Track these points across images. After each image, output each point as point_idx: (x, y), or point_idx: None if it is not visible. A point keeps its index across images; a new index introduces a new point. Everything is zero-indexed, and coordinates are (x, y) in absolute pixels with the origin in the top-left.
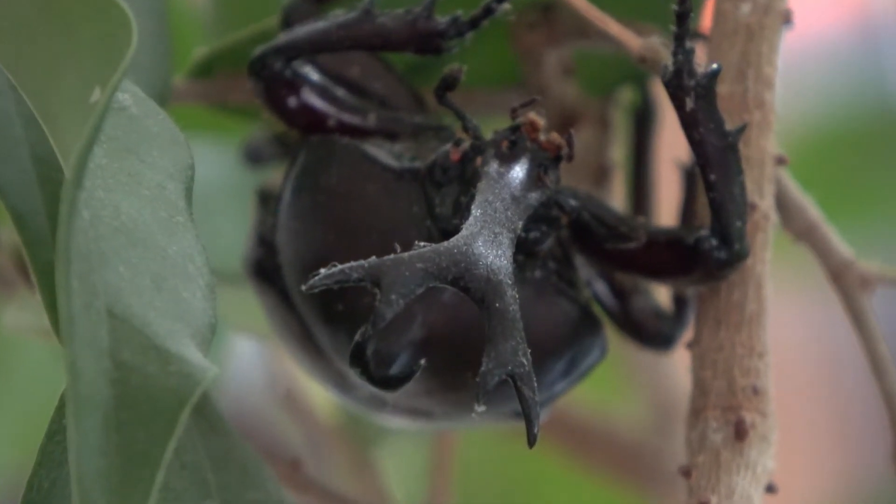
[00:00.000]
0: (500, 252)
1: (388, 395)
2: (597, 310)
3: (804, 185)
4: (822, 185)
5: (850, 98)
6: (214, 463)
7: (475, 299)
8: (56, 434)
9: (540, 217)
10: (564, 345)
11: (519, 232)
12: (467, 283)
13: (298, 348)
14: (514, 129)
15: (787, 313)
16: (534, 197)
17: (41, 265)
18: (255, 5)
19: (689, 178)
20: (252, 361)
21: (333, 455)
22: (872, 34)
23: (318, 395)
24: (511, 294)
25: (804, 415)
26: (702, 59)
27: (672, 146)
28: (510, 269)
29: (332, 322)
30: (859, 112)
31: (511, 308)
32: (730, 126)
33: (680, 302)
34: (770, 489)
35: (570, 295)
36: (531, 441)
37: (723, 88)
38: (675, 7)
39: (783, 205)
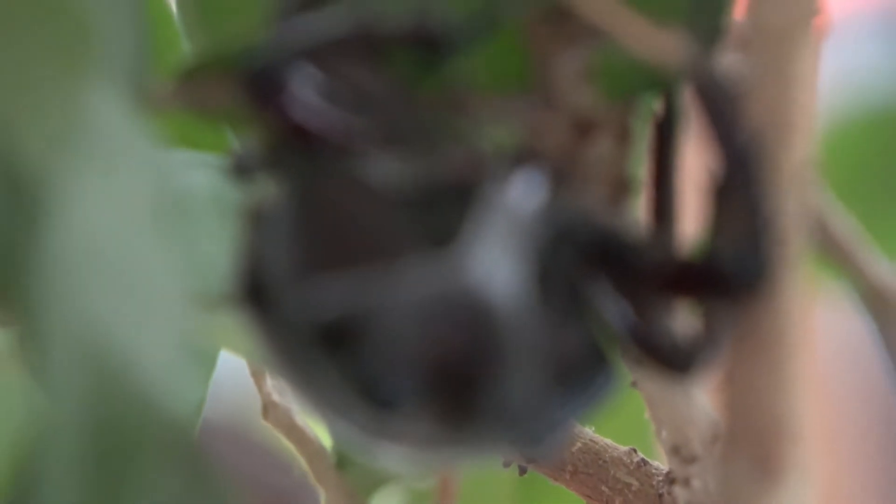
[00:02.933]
0: (503, 276)
1: (388, 425)
2: (609, 337)
3: (848, 187)
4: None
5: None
6: (187, 501)
7: (478, 327)
8: (25, 467)
9: (549, 237)
10: (572, 373)
11: (525, 254)
12: (471, 307)
13: (290, 375)
14: (523, 142)
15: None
16: (542, 216)
17: (12, 286)
18: (237, 4)
19: (715, 195)
20: (236, 378)
21: (325, 490)
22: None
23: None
24: (516, 321)
25: (844, 450)
26: (733, 62)
27: (698, 161)
28: (513, 294)
29: (328, 346)
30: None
31: (517, 336)
32: (760, 134)
33: (706, 328)
34: None
35: (579, 322)
36: (533, 477)
37: (755, 93)
38: (697, 10)
39: (816, 221)
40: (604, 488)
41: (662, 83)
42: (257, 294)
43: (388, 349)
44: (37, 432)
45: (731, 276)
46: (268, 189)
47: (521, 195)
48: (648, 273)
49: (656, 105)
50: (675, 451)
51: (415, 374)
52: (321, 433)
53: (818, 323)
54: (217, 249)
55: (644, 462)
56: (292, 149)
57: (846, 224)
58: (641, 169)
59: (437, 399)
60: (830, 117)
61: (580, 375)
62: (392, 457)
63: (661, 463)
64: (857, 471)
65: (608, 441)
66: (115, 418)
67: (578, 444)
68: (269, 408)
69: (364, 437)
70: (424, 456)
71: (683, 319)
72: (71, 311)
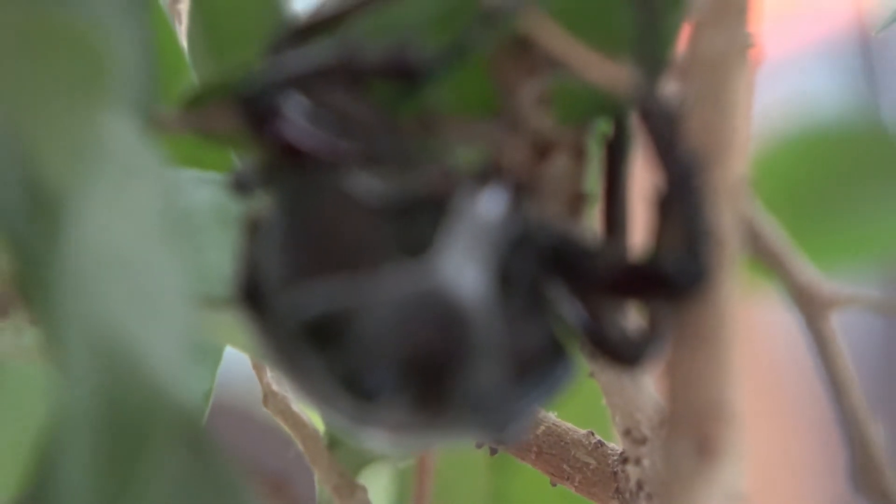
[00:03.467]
0: (474, 279)
1: (370, 412)
2: (568, 333)
3: (778, 199)
4: (796, 203)
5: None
6: (198, 482)
7: (450, 324)
8: (44, 452)
9: (513, 245)
10: (535, 365)
11: (492, 260)
12: (444, 307)
13: (284, 368)
14: (489, 161)
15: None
16: (507, 226)
17: (33, 290)
18: (240, 37)
19: (659, 206)
20: (239, 371)
21: (318, 470)
22: (862, 45)
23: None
24: (484, 318)
25: (776, 433)
26: (675, 90)
27: (644, 176)
28: (483, 295)
29: (316, 342)
30: (847, 127)
31: (485, 332)
32: (699, 153)
33: (652, 324)
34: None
35: (541, 319)
36: (502, 458)
37: (693, 117)
38: (643, 41)
39: (750, 230)
40: (565, 467)
41: (613, 108)
42: (254, 296)
43: (369, 346)
44: (56, 420)
45: (673, 279)
46: (264, 203)
47: (488, 208)
48: (601, 276)
49: (607, 127)
50: (627, 433)
51: (393, 369)
52: (314, 418)
53: (762, 318)
54: (220, 256)
55: (601, 443)
56: (285, 167)
57: (776, 232)
58: (595, 184)
59: (414, 390)
60: (770, 138)
61: (542, 367)
62: (376, 440)
63: (615, 444)
64: (796, 446)
65: (569, 425)
66: (127, 407)
67: (542, 428)
68: (268, 396)
69: (350, 423)
70: (404, 439)
71: (632, 317)
72: (87, 312)
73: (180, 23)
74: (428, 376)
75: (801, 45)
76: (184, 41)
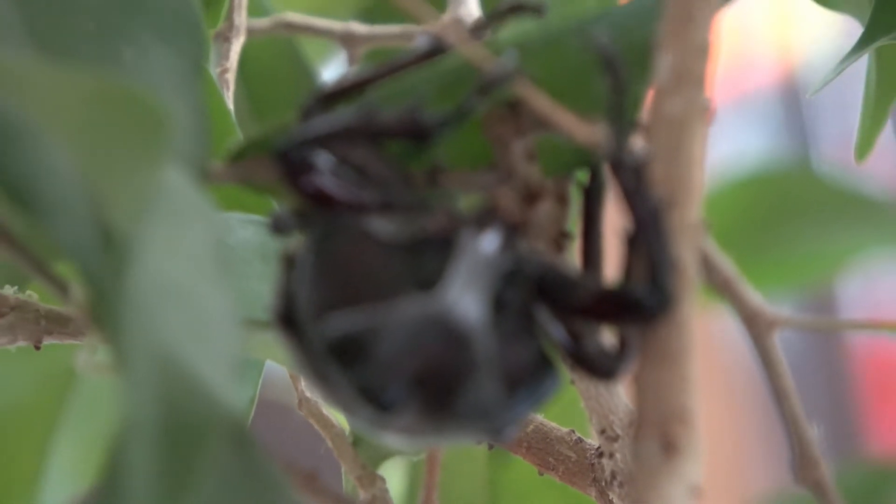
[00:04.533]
0: (474, 305)
1: (386, 418)
2: (553, 349)
3: (728, 236)
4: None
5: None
6: (241, 476)
7: (454, 343)
8: (115, 450)
9: (507, 276)
10: (526, 377)
11: (490, 289)
12: (448, 330)
13: (314, 381)
14: (486, 206)
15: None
16: (502, 261)
17: (105, 316)
18: (278, 102)
19: (629, 243)
20: (277, 384)
21: (345, 463)
22: (796, 97)
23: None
24: (482, 338)
25: (729, 433)
26: (640, 145)
27: (616, 218)
28: (482, 319)
29: (340, 359)
30: (776, 170)
31: (483, 350)
32: (661, 198)
33: (623, 342)
34: (696, 495)
35: (531, 338)
36: (498, 453)
37: (657, 168)
38: (614, 106)
39: (705, 262)
40: (550, 459)
41: (589, 161)
42: (290, 320)
43: (385, 363)
44: (124, 424)
45: (641, 304)
46: (298, 241)
47: (486, 245)
48: (581, 301)
49: (585, 177)
50: (603, 432)
51: (405, 382)
52: (341, 420)
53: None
54: (261, 286)
55: (580, 440)
56: (315, 211)
57: (727, 264)
58: (574, 224)
59: (423, 400)
60: (717, 182)
61: (531, 378)
62: (392, 440)
63: (592, 441)
64: (745, 442)
65: (553, 424)
66: (182, 413)
67: (531, 427)
68: (302, 401)
69: (370, 427)
70: (416, 440)
71: (607, 335)
72: (149, 334)
73: (228, 90)
74: (435, 388)
75: (740, 97)
76: (230, 105)
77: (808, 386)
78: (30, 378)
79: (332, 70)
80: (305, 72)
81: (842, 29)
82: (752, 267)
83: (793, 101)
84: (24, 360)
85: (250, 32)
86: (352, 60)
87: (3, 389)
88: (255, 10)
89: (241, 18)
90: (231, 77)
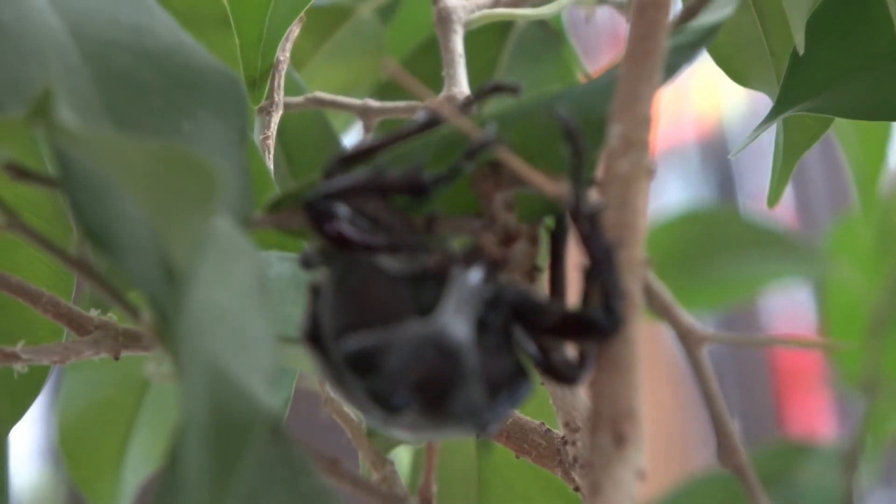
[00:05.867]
0: (463, 326)
1: (393, 417)
2: (527, 361)
3: (664, 265)
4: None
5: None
6: (277, 463)
7: (447, 357)
8: (175, 441)
9: (490, 303)
10: (506, 383)
11: (476, 313)
12: (443, 346)
13: (335, 386)
14: (473, 247)
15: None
16: (486, 290)
17: (168, 333)
18: (310, 163)
19: (587, 276)
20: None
21: (361, 451)
22: (722, 151)
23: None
24: (471, 353)
25: (676, 424)
26: (595, 198)
27: (576, 255)
28: (470, 337)
29: (356, 369)
30: (704, 210)
31: (471, 362)
32: (612, 240)
33: (583, 354)
34: (640, 477)
35: (510, 352)
36: (484, 444)
37: (609, 216)
38: (574, 166)
39: (648, 291)
40: (525, 446)
41: (555, 210)
42: (316, 337)
43: (392, 374)
44: (182, 421)
45: (597, 324)
46: (322, 274)
47: (473, 278)
48: (549, 322)
49: (552, 222)
50: (567, 424)
51: (409, 389)
52: (358, 416)
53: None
54: (295, 310)
55: (549, 431)
56: (336, 251)
57: (664, 291)
58: (544, 260)
59: (423, 403)
60: (657, 221)
61: (510, 384)
62: (399, 433)
63: (559, 431)
64: (693, 433)
65: (528, 418)
66: (228, 412)
67: (510, 421)
68: (327, 401)
69: (381, 424)
70: (417, 434)
71: (570, 349)
72: (201, 349)
73: (269, 153)
74: (433, 394)
75: (675, 144)
76: (271, 166)
77: (734, 383)
78: (113, 382)
79: (352, 136)
80: (332, 138)
81: (759, 96)
82: (685, 291)
83: (720, 156)
84: (108, 369)
85: (287, 107)
86: (368, 129)
87: (93, 391)
88: (292, 89)
89: (280, 96)
90: (271, 143)
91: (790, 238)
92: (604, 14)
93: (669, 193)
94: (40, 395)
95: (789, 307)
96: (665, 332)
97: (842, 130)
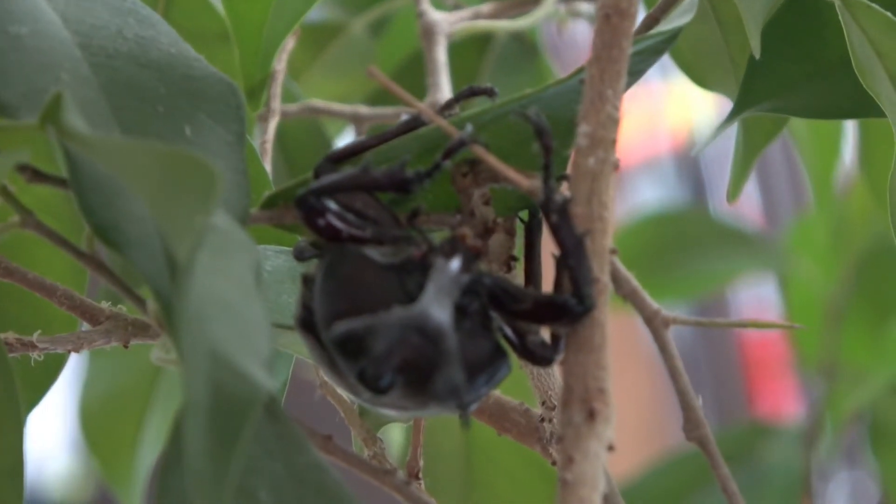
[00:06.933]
0: (445, 311)
1: (380, 398)
2: (505, 344)
3: (633, 263)
4: (649, 260)
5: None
6: (275, 440)
7: (430, 341)
8: (178, 421)
9: (469, 290)
10: (485, 365)
11: (456, 300)
12: (426, 330)
13: (327, 370)
14: (453, 238)
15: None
16: (465, 278)
17: (171, 323)
18: (307, 164)
19: (558, 264)
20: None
21: (353, 428)
22: (694, 161)
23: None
24: (451, 336)
25: (632, 404)
26: (564, 191)
27: (550, 245)
28: (451, 322)
29: (345, 353)
30: (677, 211)
31: (452, 345)
32: (581, 231)
33: (556, 337)
34: (610, 449)
35: (488, 335)
36: (465, 422)
37: (577, 209)
38: (545, 163)
39: (615, 278)
40: (506, 424)
41: (529, 204)
42: (308, 324)
43: (378, 357)
44: (184, 403)
45: (569, 309)
46: (314, 265)
47: (454, 267)
48: (524, 308)
49: (526, 216)
50: (543, 403)
51: (395, 372)
52: (350, 397)
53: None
54: (290, 300)
55: (528, 409)
56: (326, 243)
57: (631, 278)
58: (519, 251)
59: (408, 384)
60: (628, 220)
61: (489, 365)
62: (386, 412)
63: (537, 410)
64: (649, 408)
65: (508, 398)
66: (228, 394)
67: (491, 400)
68: (322, 384)
69: (369, 404)
70: (403, 413)
71: (544, 333)
72: (202, 336)
73: (267, 156)
74: (417, 375)
75: (651, 156)
76: (269, 168)
77: (707, 370)
78: (126, 369)
79: (345, 140)
80: (326, 142)
81: (725, 104)
82: (656, 284)
83: (693, 165)
84: (125, 358)
85: (284, 114)
86: (359, 133)
87: (108, 378)
88: (288, 97)
89: (277, 104)
90: (269, 147)
91: (755, 236)
92: (582, 29)
93: (647, 200)
94: (69, 389)
95: (756, 300)
96: (640, 321)
97: (798, 132)
